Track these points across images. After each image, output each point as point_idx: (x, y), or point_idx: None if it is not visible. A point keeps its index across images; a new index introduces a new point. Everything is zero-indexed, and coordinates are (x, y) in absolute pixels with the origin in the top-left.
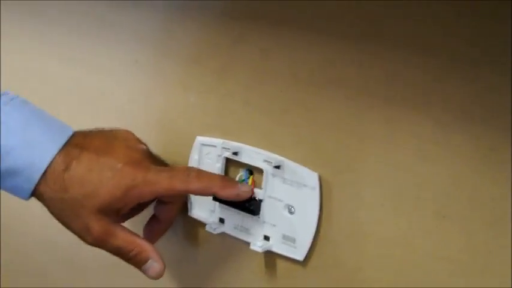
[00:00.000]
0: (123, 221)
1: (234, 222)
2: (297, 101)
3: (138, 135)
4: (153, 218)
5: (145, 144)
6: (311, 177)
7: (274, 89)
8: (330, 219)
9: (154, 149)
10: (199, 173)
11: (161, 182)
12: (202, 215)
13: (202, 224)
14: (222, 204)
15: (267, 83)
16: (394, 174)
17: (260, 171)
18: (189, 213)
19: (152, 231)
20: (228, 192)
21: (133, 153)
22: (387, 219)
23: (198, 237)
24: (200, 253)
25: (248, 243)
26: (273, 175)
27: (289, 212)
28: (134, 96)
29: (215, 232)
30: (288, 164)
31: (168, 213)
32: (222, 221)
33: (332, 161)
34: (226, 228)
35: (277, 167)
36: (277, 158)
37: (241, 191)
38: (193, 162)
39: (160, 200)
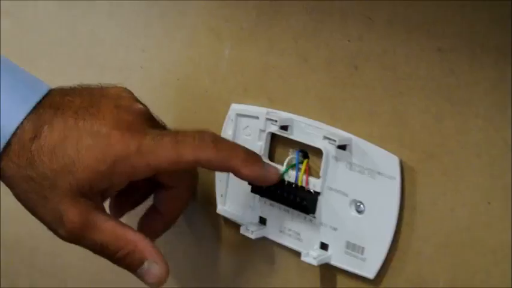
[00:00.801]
0: (119, 216)
1: (280, 223)
2: (371, 55)
3: (151, 101)
4: (152, 209)
5: (143, 105)
6: (390, 163)
7: (340, 38)
8: (415, 222)
9: (173, 121)
10: (216, 138)
11: (162, 150)
12: (236, 212)
13: (236, 225)
14: (263, 199)
15: (330, 30)
16: (506, 157)
17: (318, 153)
18: (217, 210)
19: (151, 225)
20: (251, 170)
21: (125, 114)
22: (496, 222)
23: (229, 243)
24: (231, 264)
25: (298, 253)
26: (336, 159)
27: (357, 211)
28: (147, 47)
29: (253, 236)
30: (358, 143)
31: (171, 202)
32: (263, 221)
33: (419, 140)
34: (269, 232)
35: (343, 147)
36: (343, 134)
37: (268, 172)
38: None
39: (160, 184)
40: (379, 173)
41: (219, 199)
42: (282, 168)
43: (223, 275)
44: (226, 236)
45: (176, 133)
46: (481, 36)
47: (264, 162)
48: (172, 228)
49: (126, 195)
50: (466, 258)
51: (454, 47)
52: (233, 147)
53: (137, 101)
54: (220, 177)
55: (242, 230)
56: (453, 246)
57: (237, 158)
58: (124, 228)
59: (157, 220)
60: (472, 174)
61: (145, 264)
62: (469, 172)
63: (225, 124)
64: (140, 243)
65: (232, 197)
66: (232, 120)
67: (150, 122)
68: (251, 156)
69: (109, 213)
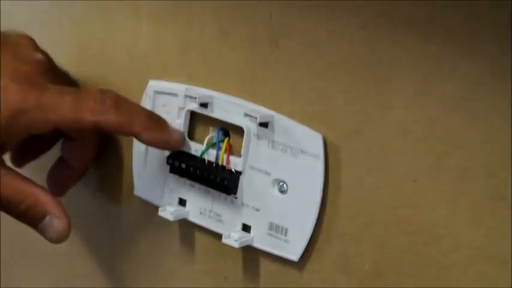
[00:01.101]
0: (21, 166)
1: (200, 204)
2: (293, 31)
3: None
4: (60, 160)
5: (44, 54)
6: (313, 140)
7: (261, 13)
8: (338, 202)
9: None
10: (118, 101)
11: (62, 109)
12: (154, 194)
13: (155, 208)
14: (183, 179)
15: (251, 5)
16: (432, 136)
17: (239, 130)
18: (134, 192)
19: (59, 178)
20: (153, 136)
21: (23, 65)
22: (422, 201)
23: (148, 227)
24: (149, 248)
25: (220, 235)
26: (258, 137)
27: (280, 191)
28: (62, 23)
29: (172, 218)
30: (280, 120)
31: (77, 153)
32: (182, 203)
33: (343, 118)
34: (189, 213)
35: (264, 124)
36: (264, 111)
37: (172, 139)
38: None
39: (66, 135)
40: (302, 151)
41: (136, 180)
42: (202, 147)
43: (141, 259)
44: (144, 220)
45: (78, 92)
46: (404, 13)
47: (168, 126)
48: (88, 211)
49: (28, 145)
50: (392, 238)
51: (377, 24)
52: (135, 110)
53: (37, 49)
54: (137, 157)
55: (160, 212)
56: (378, 225)
57: (138, 123)
58: (25, 182)
59: (65, 172)
60: (397, 152)
61: (47, 219)
62: (394, 150)
63: (142, 101)
64: (41, 196)
65: (150, 177)
66: (150, 97)
67: (51, 74)
68: (153, 120)
69: (10, 165)
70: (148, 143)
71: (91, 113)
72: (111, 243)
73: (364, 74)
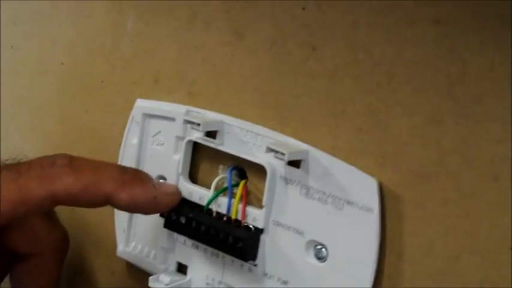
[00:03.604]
0: None
1: (206, 272)
2: (336, 29)
3: (22, 95)
4: None
5: None
6: (364, 187)
7: (291, 5)
8: (401, 275)
9: (54, 125)
10: (73, 160)
11: (2, 190)
12: (144, 256)
13: (144, 275)
14: (182, 237)
15: None
16: None
17: (260, 171)
18: (117, 253)
19: None
20: (134, 193)
21: None
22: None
23: None
24: None
25: None
26: (286, 180)
27: (317, 257)
28: (18, 18)
29: None
30: (318, 157)
31: (32, 280)
32: (182, 269)
33: (407, 155)
34: (191, 285)
35: (296, 163)
36: (295, 145)
37: (162, 193)
38: (127, 153)
39: (14, 253)
40: (348, 203)
41: (119, 236)
42: (208, 193)
43: None
44: None
45: (17, 164)
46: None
47: (151, 179)
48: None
49: None
50: None
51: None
52: (99, 166)
53: None
54: None
55: (152, 282)
56: None
57: (108, 179)
58: None
59: None
60: (488, 205)
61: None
62: (483, 202)
63: (127, 128)
64: None
65: (139, 233)
66: (137, 122)
67: None
68: (129, 173)
69: None
70: (128, 205)
71: (39, 183)
72: None
73: (440, 92)
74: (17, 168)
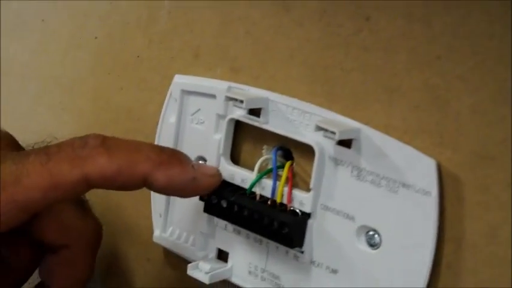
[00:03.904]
0: None
1: (249, 259)
2: (389, 1)
3: (52, 72)
4: None
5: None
6: (422, 168)
7: None
8: (460, 265)
9: (87, 104)
10: (106, 140)
11: (30, 174)
12: (182, 242)
13: (183, 262)
14: (223, 222)
15: None
16: None
17: (307, 151)
18: (153, 238)
19: None
20: (172, 174)
21: None
22: None
23: None
24: None
25: None
26: (336, 161)
27: (369, 244)
28: None
29: (207, 280)
30: (371, 137)
31: (63, 272)
32: (223, 256)
33: (469, 134)
34: (232, 273)
35: (346, 143)
36: (346, 123)
37: (201, 174)
38: (164, 133)
39: (45, 245)
40: (404, 185)
41: (156, 221)
42: (251, 175)
43: None
44: (166, 278)
45: (46, 147)
46: None
47: (190, 160)
48: None
49: None
50: None
51: None
52: (135, 146)
53: None
54: None
55: (191, 270)
56: None
57: (145, 159)
58: None
59: None
60: None
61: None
62: None
63: (164, 106)
64: None
65: (177, 218)
66: (175, 99)
67: (13, 147)
68: (166, 153)
69: None
70: (166, 187)
71: (72, 166)
72: None
73: (506, 65)
74: (46, 150)
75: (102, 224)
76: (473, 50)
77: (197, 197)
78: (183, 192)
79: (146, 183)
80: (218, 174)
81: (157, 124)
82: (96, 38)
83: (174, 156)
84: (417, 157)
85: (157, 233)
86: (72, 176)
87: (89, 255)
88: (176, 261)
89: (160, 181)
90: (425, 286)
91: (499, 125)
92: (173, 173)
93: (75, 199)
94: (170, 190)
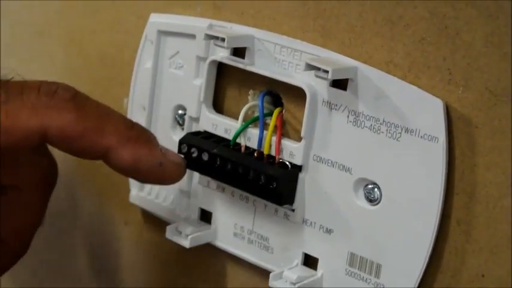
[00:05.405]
0: None
1: (234, 220)
2: None
3: (24, 17)
4: None
5: None
6: (427, 110)
7: None
8: (471, 221)
9: (58, 47)
10: (78, 94)
11: None
12: (161, 202)
13: (162, 223)
14: (206, 178)
15: None
16: None
17: (298, 95)
18: (130, 198)
19: None
20: (138, 153)
21: None
22: None
23: (150, 254)
24: None
25: (266, 273)
26: (330, 105)
27: (368, 200)
28: None
29: (188, 243)
30: (369, 75)
31: (12, 216)
32: (206, 217)
33: (481, 67)
34: (216, 235)
35: (342, 84)
36: (341, 60)
37: (168, 161)
38: (140, 79)
39: None
40: (407, 130)
41: (132, 181)
42: (236, 124)
43: None
44: (144, 242)
45: (7, 83)
46: None
47: (158, 143)
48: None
49: None
50: None
51: None
52: (106, 112)
53: None
54: None
55: (170, 233)
56: None
57: (113, 131)
58: None
59: None
60: None
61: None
62: None
63: (140, 50)
64: None
65: None
66: (151, 42)
67: None
68: (136, 129)
69: None
70: (129, 166)
71: (31, 113)
72: (98, 279)
73: None
74: (7, 88)
75: (69, 175)
76: None
77: (176, 150)
78: (145, 176)
79: (106, 157)
80: (184, 165)
81: (133, 70)
82: None
83: (143, 134)
84: (422, 98)
85: (134, 192)
86: (29, 124)
87: (41, 198)
88: (155, 224)
89: (125, 159)
90: (431, 247)
91: None
92: (140, 152)
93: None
94: (132, 171)
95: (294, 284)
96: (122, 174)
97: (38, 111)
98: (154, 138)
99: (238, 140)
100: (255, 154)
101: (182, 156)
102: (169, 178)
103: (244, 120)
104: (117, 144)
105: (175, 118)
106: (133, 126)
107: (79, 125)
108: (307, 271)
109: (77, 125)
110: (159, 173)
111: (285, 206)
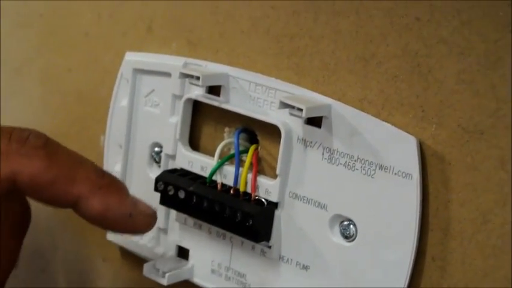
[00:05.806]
0: None
1: (211, 257)
2: None
3: None
4: None
5: None
6: (401, 148)
7: None
8: (447, 258)
9: (34, 87)
10: (49, 142)
11: None
12: (137, 239)
13: (139, 261)
14: (183, 216)
15: None
16: None
17: (273, 133)
18: (107, 235)
19: None
20: (108, 202)
21: None
22: None
23: None
24: None
25: None
26: (305, 143)
27: (344, 236)
28: None
29: (166, 281)
30: (343, 113)
31: None
32: (183, 254)
33: (454, 105)
34: (193, 272)
35: (316, 121)
36: (315, 98)
37: (139, 211)
38: (116, 118)
39: None
40: (381, 167)
41: None
42: (211, 162)
43: None
44: (123, 279)
45: None
46: None
47: (129, 193)
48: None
49: None
50: None
51: None
52: (78, 160)
53: None
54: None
55: (147, 271)
56: None
57: (83, 180)
58: None
59: None
60: None
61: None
62: None
63: (115, 88)
64: None
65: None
66: (127, 80)
67: None
68: (106, 178)
69: None
70: (99, 216)
71: (2, 160)
72: None
73: (497, 25)
74: None
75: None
76: (457, 8)
77: (152, 187)
78: (114, 226)
79: (76, 206)
80: (155, 216)
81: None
82: (41, 15)
83: (114, 183)
84: (396, 135)
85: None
86: None
87: (14, 243)
88: (133, 261)
89: (95, 208)
90: (407, 283)
91: (488, 94)
92: (110, 201)
93: None
94: (101, 221)
95: None
96: (90, 223)
97: (8, 158)
98: (125, 187)
99: (214, 178)
100: (231, 191)
101: (153, 207)
102: (139, 229)
103: (220, 157)
104: (88, 193)
105: (152, 155)
106: (104, 174)
107: (50, 173)
108: None
109: (47, 172)
110: (127, 223)
111: (262, 242)
